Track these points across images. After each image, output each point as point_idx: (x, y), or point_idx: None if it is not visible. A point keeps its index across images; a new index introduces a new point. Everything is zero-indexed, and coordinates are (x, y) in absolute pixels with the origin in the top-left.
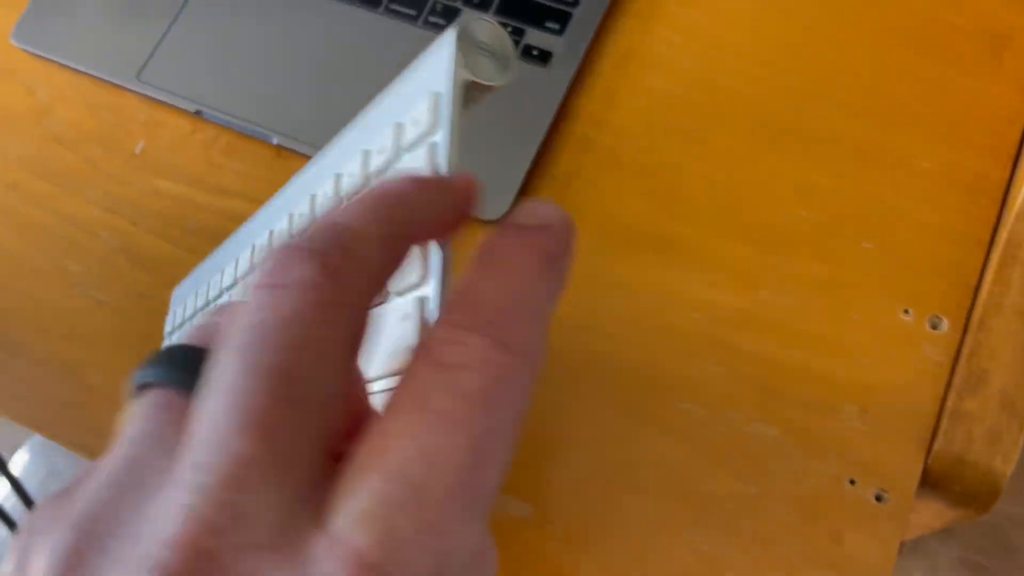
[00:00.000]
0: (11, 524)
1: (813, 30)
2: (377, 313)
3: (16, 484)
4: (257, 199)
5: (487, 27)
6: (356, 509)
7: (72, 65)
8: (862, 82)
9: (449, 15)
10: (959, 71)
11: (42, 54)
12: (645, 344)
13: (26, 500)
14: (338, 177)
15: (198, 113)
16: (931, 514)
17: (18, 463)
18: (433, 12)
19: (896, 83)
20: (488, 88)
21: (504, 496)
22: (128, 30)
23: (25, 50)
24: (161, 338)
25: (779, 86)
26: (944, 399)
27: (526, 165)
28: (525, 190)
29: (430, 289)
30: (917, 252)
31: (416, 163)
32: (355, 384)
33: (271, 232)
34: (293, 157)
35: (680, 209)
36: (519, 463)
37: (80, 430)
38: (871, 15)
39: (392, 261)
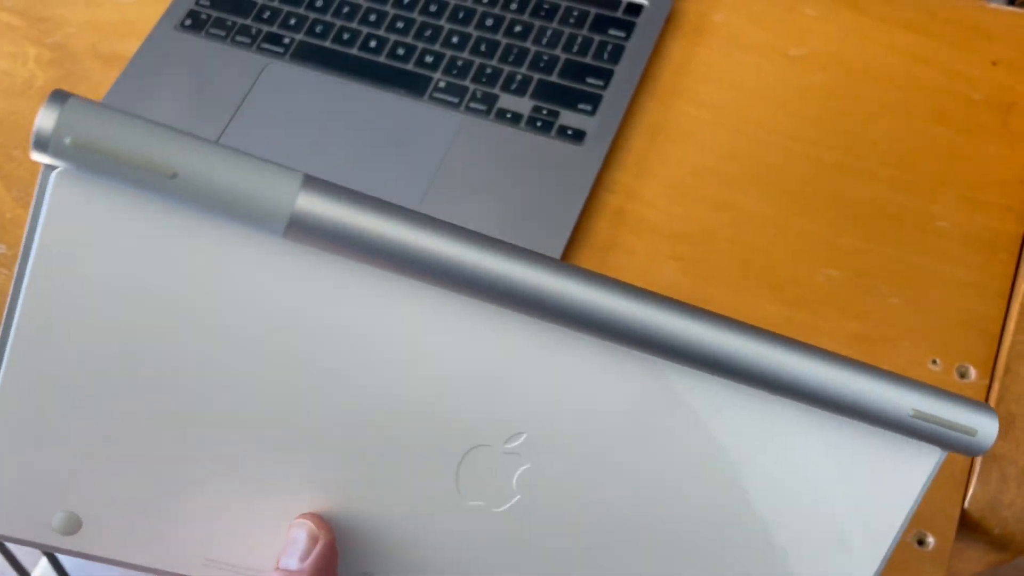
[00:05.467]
0: None
1: (836, 107)
2: None
3: None
4: None
5: None
6: None
7: None
8: (883, 151)
9: (489, 101)
10: (974, 138)
11: None
12: None
13: None
14: None
15: None
16: (973, 561)
17: None
18: (474, 99)
19: (916, 151)
20: None
21: None
22: (198, 116)
23: None
24: None
25: (803, 156)
26: None
27: (566, 236)
28: (566, 259)
29: None
30: (942, 306)
31: None
32: None
33: None
34: None
35: (713, 271)
36: None
37: None
38: (894, 92)
39: None
